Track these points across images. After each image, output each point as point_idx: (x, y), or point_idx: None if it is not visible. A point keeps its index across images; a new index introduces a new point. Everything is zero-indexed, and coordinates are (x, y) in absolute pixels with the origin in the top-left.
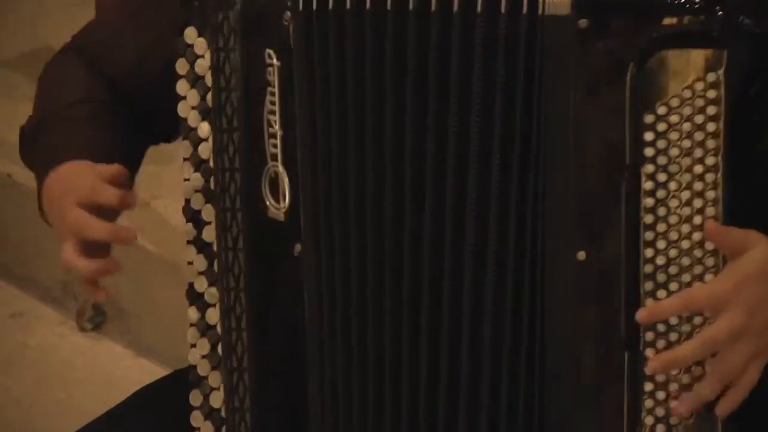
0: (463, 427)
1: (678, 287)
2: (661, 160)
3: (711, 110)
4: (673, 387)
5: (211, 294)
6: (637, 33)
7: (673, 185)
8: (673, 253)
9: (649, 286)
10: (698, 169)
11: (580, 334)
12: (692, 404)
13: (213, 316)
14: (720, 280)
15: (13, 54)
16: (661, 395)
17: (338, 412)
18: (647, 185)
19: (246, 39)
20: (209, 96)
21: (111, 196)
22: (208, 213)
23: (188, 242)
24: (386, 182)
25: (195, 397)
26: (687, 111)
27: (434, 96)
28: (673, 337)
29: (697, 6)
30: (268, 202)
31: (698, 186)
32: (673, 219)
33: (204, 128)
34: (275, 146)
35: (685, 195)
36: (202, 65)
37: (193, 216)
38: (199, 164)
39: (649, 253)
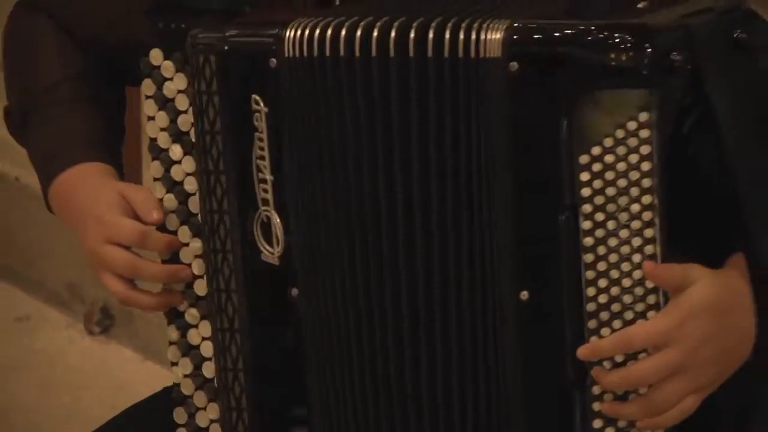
0: None
1: (621, 325)
2: (599, 199)
3: (644, 149)
4: (622, 423)
5: (192, 315)
6: (569, 74)
7: (611, 224)
8: (614, 291)
9: (592, 324)
10: (635, 207)
11: (529, 375)
12: (611, 413)
13: (195, 336)
14: (660, 317)
15: None
16: (610, 431)
17: None
18: (586, 225)
19: (229, 83)
20: (180, 120)
21: (159, 243)
22: (183, 234)
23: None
24: (368, 224)
25: (179, 415)
26: (621, 151)
27: (398, 138)
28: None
29: (627, 45)
30: (261, 247)
31: (636, 224)
32: (613, 257)
33: (176, 151)
34: (266, 191)
35: (624, 233)
36: (171, 88)
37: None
38: (172, 185)
39: (591, 291)
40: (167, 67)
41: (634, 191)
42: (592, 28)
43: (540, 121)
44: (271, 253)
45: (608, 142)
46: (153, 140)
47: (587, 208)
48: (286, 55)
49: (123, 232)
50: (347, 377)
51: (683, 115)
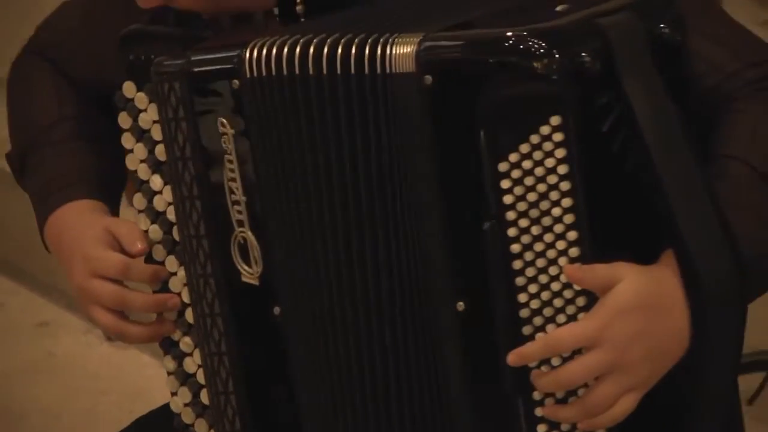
0: None
1: (555, 329)
2: (521, 206)
3: (559, 153)
4: (565, 427)
5: (186, 343)
6: (481, 83)
7: (535, 229)
8: (545, 296)
9: (527, 330)
10: (556, 211)
11: (473, 385)
12: (551, 417)
13: (191, 364)
14: (587, 318)
15: None
16: None
17: None
18: (511, 232)
19: (194, 108)
20: (158, 150)
21: (143, 274)
22: (171, 264)
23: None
24: (339, 233)
25: None
26: (538, 155)
27: (335, 151)
28: None
29: (535, 51)
30: (240, 268)
31: (559, 228)
32: (540, 262)
33: (156, 181)
34: (240, 212)
35: (549, 237)
36: (146, 119)
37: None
38: (155, 216)
39: (523, 298)
40: (140, 99)
41: (554, 195)
42: (502, 36)
43: (458, 132)
44: (250, 274)
45: (524, 148)
46: (134, 173)
47: (511, 215)
48: (248, 75)
49: (107, 265)
50: (336, 390)
51: (602, 114)
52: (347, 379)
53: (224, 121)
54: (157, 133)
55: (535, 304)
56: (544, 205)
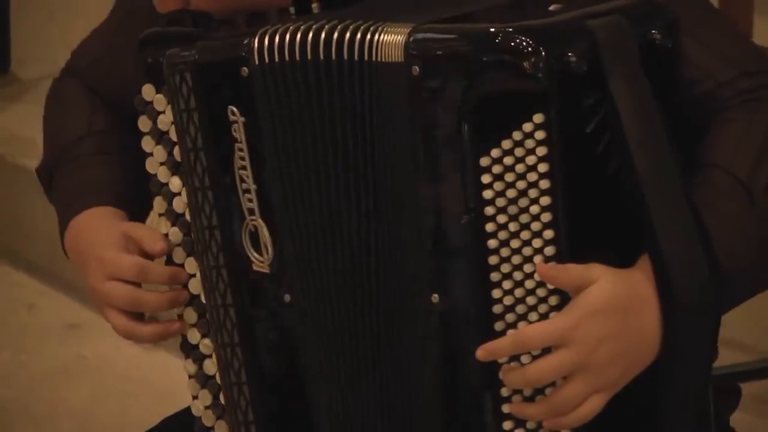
0: None
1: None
2: (500, 201)
3: (540, 151)
4: (531, 425)
5: (206, 345)
6: (468, 77)
7: (512, 226)
8: (519, 292)
9: (500, 326)
10: (534, 209)
11: (443, 377)
12: (518, 414)
13: (211, 366)
14: (557, 317)
15: None
16: None
17: None
18: (489, 227)
19: (206, 98)
20: (176, 151)
21: (161, 276)
22: (190, 265)
23: None
24: (342, 221)
25: None
26: (519, 152)
27: (330, 138)
28: None
29: (522, 49)
30: (251, 256)
31: (536, 226)
32: (516, 259)
33: (175, 183)
34: (250, 201)
35: (525, 235)
36: (165, 121)
37: None
38: (175, 218)
39: (497, 293)
40: (159, 101)
41: (533, 193)
42: (491, 31)
43: (442, 124)
44: (261, 262)
45: (506, 144)
46: (153, 176)
47: (490, 210)
48: (257, 62)
49: (122, 267)
50: (344, 378)
51: (586, 115)
52: (349, 365)
53: (234, 109)
54: (175, 134)
55: (508, 300)
56: (523, 202)
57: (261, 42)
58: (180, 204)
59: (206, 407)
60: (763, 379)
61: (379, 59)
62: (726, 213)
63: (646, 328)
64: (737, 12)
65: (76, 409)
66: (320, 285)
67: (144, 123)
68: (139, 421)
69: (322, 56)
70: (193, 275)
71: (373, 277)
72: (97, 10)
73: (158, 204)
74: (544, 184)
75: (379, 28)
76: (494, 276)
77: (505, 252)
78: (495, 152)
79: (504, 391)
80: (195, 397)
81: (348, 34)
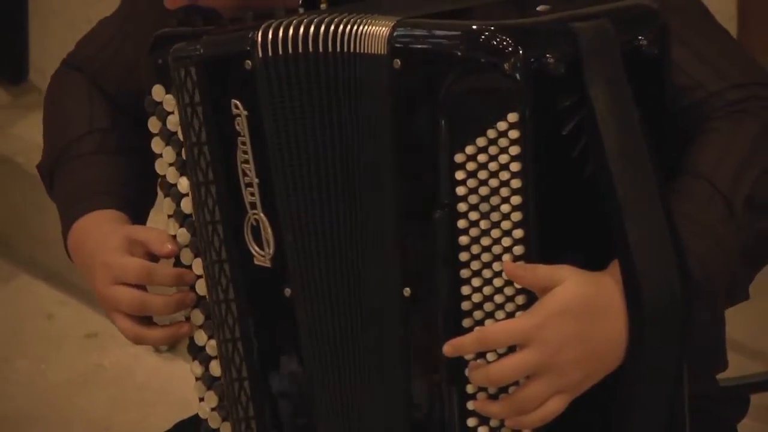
0: None
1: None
2: (473, 198)
3: (513, 150)
4: (495, 423)
5: (212, 347)
6: (446, 73)
7: (484, 224)
8: (487, 291)
9: (467, 323)
10: (505, 208)
11: (411, 371)
12: (481, 411)
13: (217, 368)
14: (522, 316)
15: None
16: (483, 430)
17: None
18: (461, 223)
19: (210, 91)
20: (184, 151)
21: (168, 277)
22: (197, 267)
23: None
24: (332, 212)
25: None
26: (493, 150)
27: (327, 129)
28: None
29: (501, 47)
30: (252, 251)
31: (506, 225)
32: (486, 257)
33: (183, 184)
34: (253, 194)
35: (495, 233)
36: (173, 121)
37: None
38: (183, 219)
39: (466, 290)
40: (169, 101)
41: (505, 191)
42: (472, 29)
43: (419, 119)
44: (262, 256)
45: (481, 141)
46: (163, 177)
47: (462, 206)
48: (260, 55)
49: (127, 270)
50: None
51: (563, 117)
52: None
53: (237, 102)
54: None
55: (477, 297)
56: (495, 200)
57: (264, 35)
58: (188, 205)
59: (212, 409)
60: None
61: (362, 51)
62: (703, 224)
63: (612, 333)
64: (754, 21)
65: (94, 419)
66: (319, 279)
67: (153, 124)
68: (158, 430)
69: (311, 49)
70: (200, 276)
71: (356, 271)
72: None
73: (167, 205)
74: (516, 183)
75: (365, 20)
76: (464, 272)
77: (475, 249)
78: (470, 149)
79: (469, 388)
80: (201, 399)
81: (333, 27)
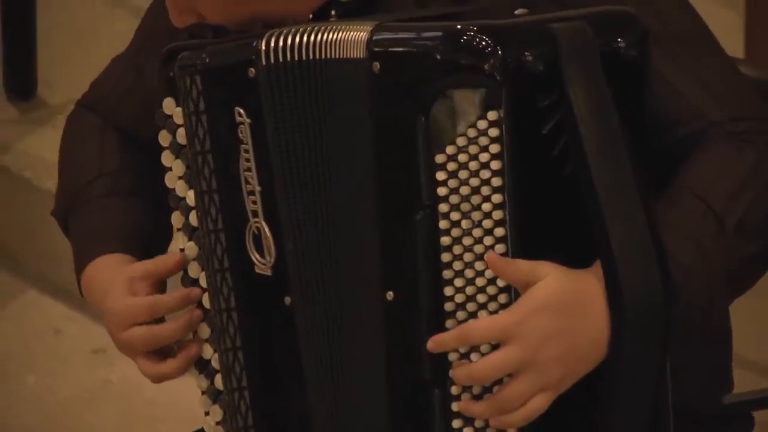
0: None
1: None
2: (454, 198)
3: (494, 148)
4: (479, 423)
5: (217, 360)
6: (425, 74)
7: (465, 223)
8: (470, 290)
9: (450, 323)
10: (486, 206)
11: (395, 373)
12: (465, 412)
13: (221, 381)
14: (503, 313)
15: None
16: (468, 431)
17: None
18: (443, 224)
19: (213, 99)
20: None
21: (172, 303)
22: (204, 280)
23: None
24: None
25: None
26: (473, 150)
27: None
28: None
29: (478, 46)
30: (254, 259)
31: (487, 223)
32: (468, 257)
33: (191, 196)
34: (254, 202)
35: (477, 232)
36: (183, 134)
37: (191, 285)
38: (192, 233)
39: (448, 291)
40: (179, 114)
41: (485, 190)
42: (450, 30)
43: (399, 121)
44: (263, 264)
45: (461, 141)
46: (172, 191)
47: (444, 207)
48: (263, 63)
49: (132, 311)
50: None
51: (543, 116)
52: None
53: (241, 110)
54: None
55: (459, 298)
56: (476, 199)
57: (268, 43)
58: (195, 217)
59: (217, 423)
60: None
61: (342, 56)
62: (692, 235)
63: (593, 330)
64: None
65: None
66: (317, 287)
67: (164, 137)
68: None
69: (303, 57)
70: (206, 290)
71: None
72: (123, 34)
73: (176, 219)
74: (496, 181)
75: (345, 27)
76: (447, 273)
77: (457, 249)
78: (450, 149)
79: (454, 390)
80: (207, 414)
81: (314, 35)
